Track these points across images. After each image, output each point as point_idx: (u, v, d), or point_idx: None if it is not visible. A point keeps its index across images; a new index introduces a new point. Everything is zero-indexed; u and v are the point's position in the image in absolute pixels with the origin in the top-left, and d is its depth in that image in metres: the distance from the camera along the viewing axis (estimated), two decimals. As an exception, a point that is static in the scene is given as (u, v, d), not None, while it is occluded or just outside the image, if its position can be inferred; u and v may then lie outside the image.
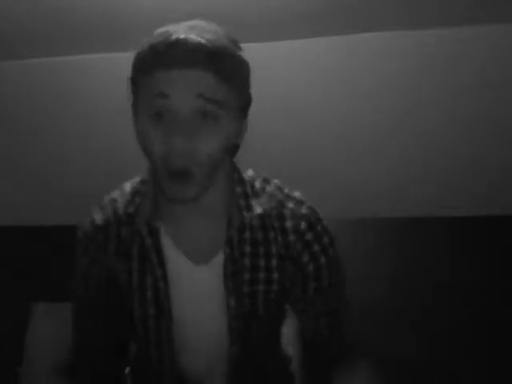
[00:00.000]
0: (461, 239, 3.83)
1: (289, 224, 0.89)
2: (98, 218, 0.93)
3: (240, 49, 0.79)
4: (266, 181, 0.94)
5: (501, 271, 3.71)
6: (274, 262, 0.89)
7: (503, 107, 3.07)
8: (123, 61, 3.08)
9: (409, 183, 3.60)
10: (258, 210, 0.86)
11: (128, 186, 1.02)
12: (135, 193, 0.95)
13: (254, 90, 3.32)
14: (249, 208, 0.87)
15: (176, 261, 0.88)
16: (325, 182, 3.56)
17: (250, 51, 2.96)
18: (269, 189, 0.90)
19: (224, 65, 0.73)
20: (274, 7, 2.62)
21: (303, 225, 0.89)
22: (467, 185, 3.56)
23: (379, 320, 3.67)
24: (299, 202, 0.91)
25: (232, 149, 0.88)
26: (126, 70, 3.24)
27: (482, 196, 3.64)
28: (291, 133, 3.35)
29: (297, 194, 0.93)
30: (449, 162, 3.45)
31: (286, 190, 0.92)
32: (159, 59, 0.71)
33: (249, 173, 0.95)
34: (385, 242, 3.87)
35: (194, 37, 0.71)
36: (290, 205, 0.90)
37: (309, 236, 0.90)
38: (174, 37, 0.72)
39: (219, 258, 0.88)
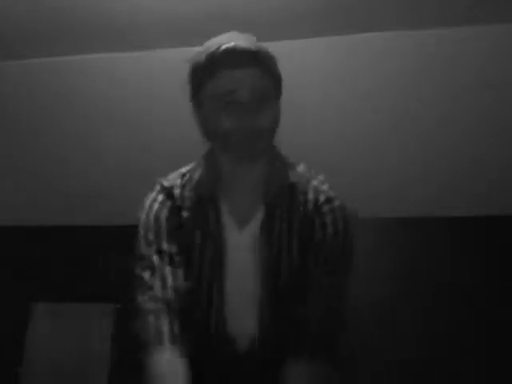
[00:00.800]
0: (461, 239, 3.83)
1: (310, 197, 1.06)
2: (167, 183, 1.10)
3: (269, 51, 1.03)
4: (296, 162, 1.15)
5: (501, 271, 3.71)
6: (295, 227, 1.04)
7: (503, 107, 3.07)
8: (123, 61, 3.08)
9: (409, 183, 3.60)
10: (293, 179, 1.06)
11: (192, 164, 1.15)
12: (198, 165, 1.11)
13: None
14: (285, 176, 1.06)
15: (226, 223, 1.04)
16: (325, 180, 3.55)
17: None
18: (299, 168, 1.11)
19: (267, 63, 0.98)
20: (274, 7, 2.62)
21: (322, 198, 1.07)
22: (467, 185, 3.56)
23: (379, 319, 3.67)
24: (322, 182, 1.11)
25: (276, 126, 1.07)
26: (126, 70, 3.24)
27: (482, 196, 3.64)
28: (291, 132, 3.35)
29: (320, 176, 1.14)
30: (449, 162, 3.45)
31: (313, 171, 1.12)
32: (223, 62, 0.95)
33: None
34: (385, 242, 3.87)
35: (241, 43, 0.96)
36: (314, 182, 1.09)
37: (325, 208, 1.06)
38: (226, 45, 0.95)
39: (258, 217, 1.04)
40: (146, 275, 1.00)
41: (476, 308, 3.65)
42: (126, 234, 4.05)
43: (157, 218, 1.06)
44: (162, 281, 0.99)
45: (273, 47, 2.93)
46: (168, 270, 1.00)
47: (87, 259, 4.26)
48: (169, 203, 1.07)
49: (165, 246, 1.03)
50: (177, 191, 1.08)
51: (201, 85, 1.01)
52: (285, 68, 3.21)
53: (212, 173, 1.07)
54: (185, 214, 1.06)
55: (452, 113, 3.14)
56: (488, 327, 3.59)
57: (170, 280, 0.99)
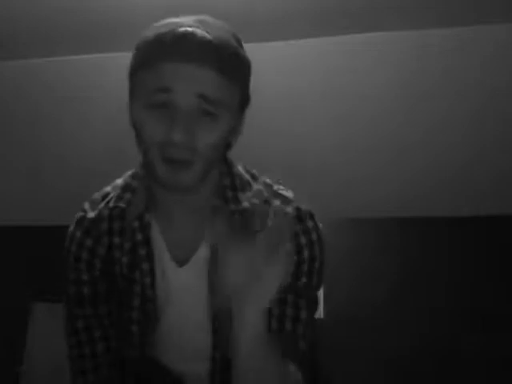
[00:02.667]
0: (461, 239, 3.82)
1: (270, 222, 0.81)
2: (91, 212, 0.91)
3: (243, 48, 0.80)
4: (254, 177, 0.92)
5: (501, 271, 3.70)
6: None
7: (503, 107, 3.07)
8: (123, 61, 3.08)
9: (409, 183, 3.60)
10: (244, 204, 0.78)
11: (120, 181, 0.96)
12: (127, 187, 0.92)
13: (255, 89, 3.28)
14: (235, 201, 0.85)
15: (162, 258, 0.87)
16: (325, 181, 3.55)
17: (250, 51, 2.95)
18: (256, 185, 0.80)
19: (228, 63, 0.74)
20: (273, 7, 2.61)
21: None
22: (467, 185, 3.56)
23: (379, 319, 3.67)
24: (285, 201, 0.86)
25: (227, 144, 0.86)
26: (126, 70, 3.24)
27: (482, 196, 3.64)
28: (291, 132, 3.35)
29: (285, 193, 0.89)
30: (449, 162, 3.45)
31: (275, 187, 0.89)
32: (165, 51, 0.72)
33: (239, 167, 0.93)
34: (384, 242, 3.87)
35: (200, 32, 0.73)
36: (276, 202, 0.80)
37: (296, 228, 0.87)
38: (182, 29, 0.73)
39: (201, 254, 0.86)
40: (73, 345, 0.92)
41: (476, 308, 3.64)
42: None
43: (76, 266, 0.91)
44: (92, 353, 0.91)
45: (273, 47, 2.94)
46: (98, 335, 0.90)
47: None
48: (89, 242, 0.90)
49: (88, 310, 0.89)
50: (101, 224, 0.90)
51: (136, 72, 0.80)
52: (285, 68, 3.22)
53: (142, 199, 0.88)
54: (115, 240, 0.89)
55: (452, 113, 3.14)
56: (488, 327, 3.59)
57: (100, 350, 0.89)
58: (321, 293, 3.97)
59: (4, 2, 2.63)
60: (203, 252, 0.85)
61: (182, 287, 0.86)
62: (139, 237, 0.86)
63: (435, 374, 3.56)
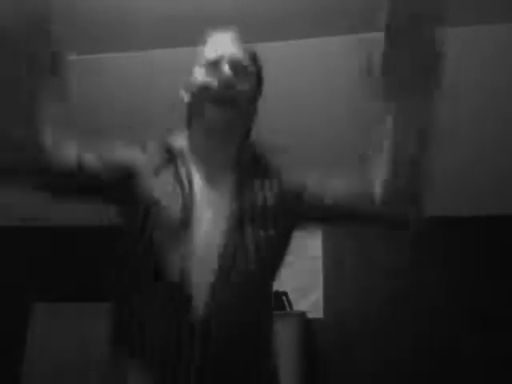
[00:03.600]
0: (461, 239, 3.83)
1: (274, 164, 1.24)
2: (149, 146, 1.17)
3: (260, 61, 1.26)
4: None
5: (501, 271, 3.71)
6: (270, 200, 1.12)
7: (503, 107, 3.07)
8: (123, 61, 3.09)
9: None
10: (261, 151, 1.23)
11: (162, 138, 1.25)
12: (172, 135, 1.21)
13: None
14: (254, 150, 1.20)
15: (198, 182, 1.10)
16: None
17: (260, 50, 2.96)
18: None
19: (249, 52, 1.19)
20: (272, 8, 2.62)
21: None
22: (467, 185, 3.56)
23: (379, 319, 3.67)
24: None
25: (248, 128, 1.21)
26: (126, 70, 3.24)
27: (482, 196, 3.64)
28: (291, 132, 3.35)
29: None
30: (449, 162, 3.45)
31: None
32: (216, 35, 1.19)
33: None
34: (384, 242, 3.87)
35: (232, 33, 1.21)
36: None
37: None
38: (226, 31, 1.21)
39: (228, 181, 1.12)
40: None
41: (476, 308, 3.65)
42: (126, 234, 4.05)
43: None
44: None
45: (271, 47, 2.93)
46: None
47: (87, 259, 4.26)
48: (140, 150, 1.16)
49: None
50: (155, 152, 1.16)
51: (196, 59, 1.18)
52: (286, 68, 3.22)
53: (186, 140, 1.17)
54: (151, 175, 1.12)
55: (452, 113, 3.14)
56: (488, 327, 3.59)
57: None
58: (320, 293, 3.97)
59: (5, 2, 2.63)
60: (231, 179, 1.12)
61: (210, 204, 1.08)
62: (180, 165, 1.11)
63: (435, 374, 3.56)
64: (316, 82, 3.06)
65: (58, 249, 4.38)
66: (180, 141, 1.17)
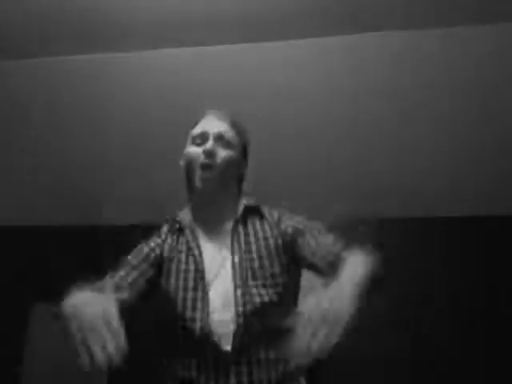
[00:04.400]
0: (461, 239, 3.83)
1: (270, 215, 1.38)
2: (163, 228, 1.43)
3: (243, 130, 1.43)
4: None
5: (501, 271, 3.71)
6: (268, 234, 1.32)
7: (503, 107, 3.07)
8: (123, 61, 3.09)
9: (409, 183, 3.60)
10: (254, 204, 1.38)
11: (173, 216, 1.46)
12: (179, 212, 1.43)
13: (256, 88, 3.29)
14: (251, 209, 1.37)
15: (207, 248, 1.32)
16: (326, 180, 3.56)
17: (251, 51, 2.96)
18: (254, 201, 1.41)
19: (233, 123, 1.37)
20: (270, 8, 2.62)
21: (275, 214, 1.37)
22: (467, 185, 3.56)
23: (378, 319, 3.67)
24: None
25: (239, 178, 1.40)
26: (126, 70, 3.24)
27: (482, 196, 3.64)
28: (291, 131, 3.35)
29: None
30: (449, 162, 3.45)
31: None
32: (203, 118, 1.39)
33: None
34: (385, 242, 3.87)
35: (219, 113, 1.40)
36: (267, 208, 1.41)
37: (282, 217, 1.37)
38: (215, 112, 1.40)
39: (228, 243, 1.31)
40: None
41: (476, 308, 3.65)
42: (126, 234, 4.05)
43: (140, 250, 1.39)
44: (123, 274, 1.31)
45: (271, 47, 2.91)
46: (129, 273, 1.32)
47: (87, 259, 4.26)
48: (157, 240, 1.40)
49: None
50: (162, 237, 1.39)
51: (191, 133, 1.38)
52: (284, 68, 3.20)
53: (189, 213, 1.39)
54: (166, 247, 1.36)
55: (452, 112, 3.14)
56: (488, 327, 3.59)
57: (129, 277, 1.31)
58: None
59: (4, 2, 2.63)
60: (229, 229, 1.32)
61: (218, 257, 1.29)
62: (190, 237, 1.34)
63: (435, 374, 3.56)
64: (316, 81, 3.06)
65: (58, 249, 4.38)
66: (186, 214, 1.38)
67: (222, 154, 1.30)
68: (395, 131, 3.28)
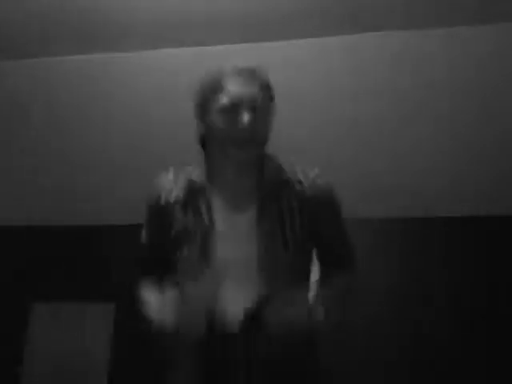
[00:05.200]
0: (461, 239, 3.83)
1: (302, 178, 1.26)
2: (155, 193, 1.28)
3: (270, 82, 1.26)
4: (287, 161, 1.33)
5: (501, 271, 3.71)
6: (296, 209, 1.20)
7: (503, 107, 3.07)
8: (123, 61, 3.09)
9: (409, 183, 3.60)
10: (286, 174, 1.24)
11: (178, 169, 1.32)
12: (189, 168, 1.28)
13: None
14: (279, 171, 1.24)
15: (221, 212, 1.19)
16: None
17: (251, 50, 2.96)
18: (289, 164, 1.28)
19: (265, 87, 1.20)
20: (275, 8, 2.62)
21: (312, 175, 1.28)
22: (467, 185, 3.56)
23: (379, 318, 3.67)
24: (310, 169, 1.30)
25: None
26: (126, 70, 3.24)
27: (482, 196, 3.64)
28: (292, 131, 3.35)
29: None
30: (449, 163, 3.45)
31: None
32: (228, 81, 1.18)
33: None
34: (385, 242, 3.88)
35: (248, 68, 1.20)
36: (298, 168, 1.28)
37: (318, 182, 1.29)
38: (237, 67, 1.19)
39: (253, 209, 1.19)
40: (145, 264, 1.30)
41: (476, 308, 3.65)
42: (126, 234, 4.05)
43: (148, 228, 1.29)
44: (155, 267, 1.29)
45: (271, 47, 2.92)
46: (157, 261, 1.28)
47: (87, 259, 4.26)
48: (157, 220, 1.26)
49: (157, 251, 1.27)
50: (166, 197, 1.25)
51: (210, 97, 1.19)
52: (284, 68, 3.20)
53: (204, 172, 1.23)
54: (177, 210, 1.22)
55: (452, 112, 3.14)
56: (488, 327, 3.59)
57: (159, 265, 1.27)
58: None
59: (4, 3, 2.63)
60: (255, 207, 1.19)
61: (237, 230, 1.18)
62: (201, 197, 1.20)
63: (435, 374, 3.56)
64: (316, 81, 3.06)
65: (58, 249, 4.38)
66: (198, 175, 1.24)
67: (260, 125, 1.16)
68: (395, 131, 3.28)
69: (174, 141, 3.34)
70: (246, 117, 1.13)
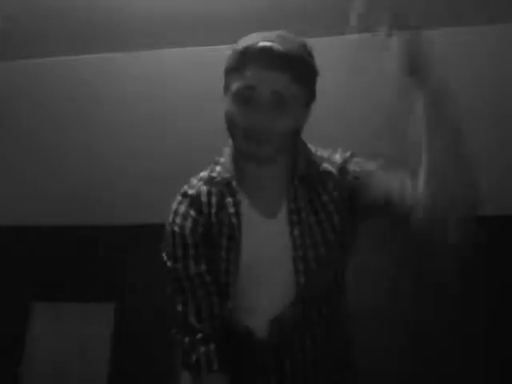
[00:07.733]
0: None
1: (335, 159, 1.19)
2: (191, 190, 1.13)
3: (312, 57, 1.05)
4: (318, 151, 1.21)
5: (501, 271, 3.70)
6: (331, 207, 1.09)
7: (504, 107, 3.07)
8: (123, 61, 3.09)
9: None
10: (323, 166, 1.13)
11: (204, 172, 1.20)
12: (216, 164, 1.16)
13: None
14: (310, 164, 1.12)
15: (249, 215, 1.07)
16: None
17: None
18: (321, 152, 1.19)
19: (297, 70, 0.99)
20: (281, 6, 2.62)
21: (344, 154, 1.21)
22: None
23: (379, 318, 3.67)
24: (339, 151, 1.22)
25: (299, 128, 1.10)
26: (126, 70, 3.24)
27: (482, 196, 3.64)
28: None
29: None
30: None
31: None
32: (250, 59, 0.97)
33: (310, 146, 1.21)
34: (384, 242, 3.87)
35: (276, 46, 0.96)
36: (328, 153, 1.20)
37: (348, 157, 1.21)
38: (262, 44, 0.97)
39: (284, 212, 1.07)
40: (179, 301, 1.06)
41: (476, 308, 3.65)
42: (127, 234, 4.05)
43: (181, 233, 1.09)
44: (196, 309, 1.04)
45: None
46: (201, 294, 1.05)
47: (87, 259, 4.26)
48: (192, 212, 1.10)
49: (192, 269, 1.06)
50: (200, 195, 1.12)
51: (231, 76, 1.03)
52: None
53: (229, 170, 1.11)
54: (212, 210, 1.10)
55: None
56: (487, 327, 3.59)
57: (204, 307, 1.04)
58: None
59: (4, 2, 2.63)
60: (285, 209, 1.07)
61: (267, 236, 1.06)
62: (228, 199, 1.08)
63: (435, 374, 3.56)
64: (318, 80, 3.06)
65: (58, 249, 4.38)
66: (225, 171, 1.11)
67: (282, 124, 0.99)
68: (393, 131, 3.28)
69: (174, 141, 3.34)
70: (263, 108, 0.97)
